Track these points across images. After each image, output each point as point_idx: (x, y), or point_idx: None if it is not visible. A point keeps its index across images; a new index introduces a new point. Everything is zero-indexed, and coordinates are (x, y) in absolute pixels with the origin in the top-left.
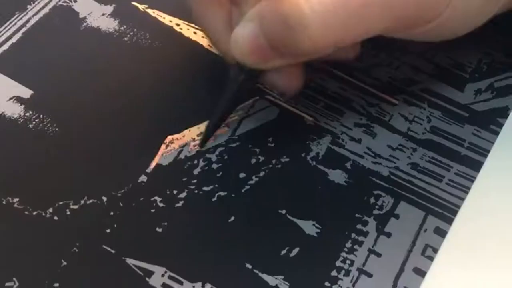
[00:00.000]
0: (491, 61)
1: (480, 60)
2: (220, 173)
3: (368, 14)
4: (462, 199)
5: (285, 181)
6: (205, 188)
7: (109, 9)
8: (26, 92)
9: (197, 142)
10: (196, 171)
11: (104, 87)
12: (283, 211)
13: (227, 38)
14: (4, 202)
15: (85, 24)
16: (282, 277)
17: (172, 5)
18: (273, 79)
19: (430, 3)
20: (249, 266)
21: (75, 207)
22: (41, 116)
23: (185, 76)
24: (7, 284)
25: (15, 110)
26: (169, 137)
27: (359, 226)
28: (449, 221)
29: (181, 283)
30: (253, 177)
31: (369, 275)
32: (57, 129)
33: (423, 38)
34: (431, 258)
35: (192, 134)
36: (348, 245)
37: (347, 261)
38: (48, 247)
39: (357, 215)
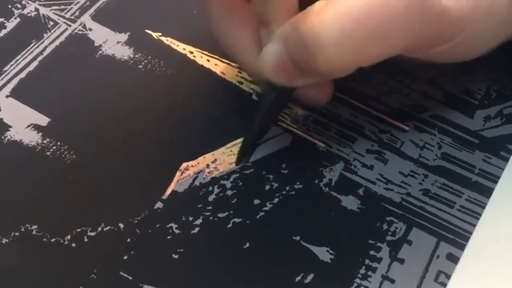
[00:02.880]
0: (500, 88)
1: (489, 86)
2: (235, 199)
3: (387, 34)
4: (474, 225)
5: (299, 207)
6: (220, 215)
7: (124, 37)
8: (43, 120)
9: (212, 169)
10: (211, 198)
11: (119, 115)
12: (297, 238)
13: (255, 57)
14: (22, 230)
15: (100, 52)
16: None
17: (185, 33)
18: (302, 92)
19: (450, 22)
20: None
21: (93, 234)
22: (58, 143)
23: (199, 103)
24: None
25: (32, 138)
26: (184, 164)
27: (372, 252)
28: (461, 247)
29: None
30: (267, 204)
31: None
32: (74, 156)
33: (440, 59)
34: (444, 284)
35: (206, 161)
36: (362, 271)
37: None
38: (67, 274)
39: (370, 241)
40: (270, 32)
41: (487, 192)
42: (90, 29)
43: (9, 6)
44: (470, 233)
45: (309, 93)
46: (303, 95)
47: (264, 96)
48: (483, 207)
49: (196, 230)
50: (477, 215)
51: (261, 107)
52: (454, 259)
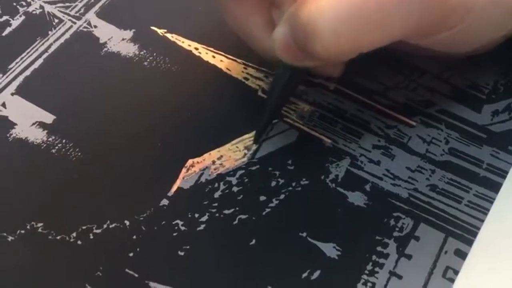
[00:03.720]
0: (508, 82)
1: (496, 81)
2: (241, 196)
3: (385, 21)
4: (482, 221)
5: (305, 203)
6: (226, 211)
7: (129, 34)
8: (48, 117)
9: (217, 165)
10: (217, 194)
11: (124, 112)
12: (304, 234)
13: (267, 38)
14: (28, 227)
15: (105, 49)
16: None
17: (190, 29)
18: (315, 69)
19: (450, 9)
20: None
21: (98, 231)
22: (63, 141)
23: (204, 100)
24: None
25: (38, 135)
26: (190, 161)
27: (379, 248)
28: (469, 243)
29: None
30: (274, 200)
31: None
32: (79, 153)
33: (441, 47)
34: (452, 280)
35: (212, 157)
36: (369, 267)
37: (369, 284)
38: (72, 271)
39: (377, 237)
40: (281, 13)
41: (495, 187)
42: (95, 26)
43: (14, 4)
44: (478, 228)
45: (321, 70)
46: (317, 72)
47: (278, 75)
48: (491, 202)
49: (202, 227)
50: (485, 210)
51: (276, 86)
52: (462, 255)
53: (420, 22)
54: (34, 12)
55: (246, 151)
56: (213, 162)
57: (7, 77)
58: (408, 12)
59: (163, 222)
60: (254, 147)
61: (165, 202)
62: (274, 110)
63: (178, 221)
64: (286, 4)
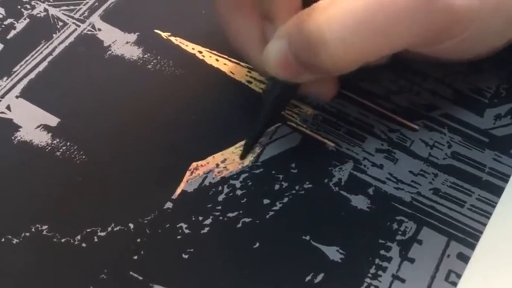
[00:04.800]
0: (510, 86)
1: (499, 85)
2: (245, 199)
3: (392, 31)
4: (484, 225)
5: (309, 207)
6: (230, 215)
7: (133, 37)
8: (53, 120)
9: (221, 168)
10: (220, 198)
11: (128, 115)
12: (307, 237)
13: (260, 53)
14: (33, 230)
15: (109, 52)
16: None
17: (194, 32)
18: (307, 88)
19: (455, 18)
20: None
21: (103, 234)
22: (68, 143)
23: (208, 103)
24: None
25: (42, 138)
26: (194, 164)
27: (382, 252)
28: (472, 247)
29: None
30: (277, 203)
31: None
32: (83, 156)
33: (445, 56)
34: (454, 284)
35: (216, 161)
36: (372, 271)
37: (372, 287)
38: (77, 274)
39: (380, 240)
40: (274, 28)
41: (498, 191)
42: (99, 29)
43: (19, 7)
44: (481, 232)
45: (313, 89)
46: (308, 91)
47: (268, 91)
48: (494, 206)
49: (206, 230)
50: (487, 214)
51: (265, 102)
52: (464, 259)
53: (425, 31)
54: (38, 15)
55: (250, 154)
56: (217, 165)
57: (11, 80)
58: (414, 22)
59: (167, 225)
60: (258, 150)
61: (169, 205)
62: (262, 128)
63: (182, 224)
64: (280, 19)
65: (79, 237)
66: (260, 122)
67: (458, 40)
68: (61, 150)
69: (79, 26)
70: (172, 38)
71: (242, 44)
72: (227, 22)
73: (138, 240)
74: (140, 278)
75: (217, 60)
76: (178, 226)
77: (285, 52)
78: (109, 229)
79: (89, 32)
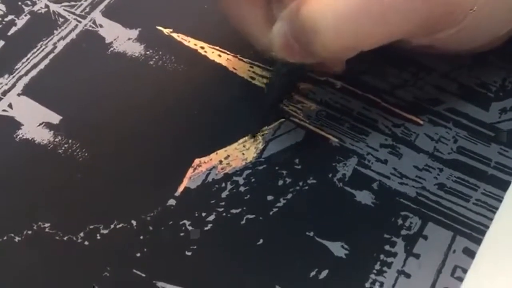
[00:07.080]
0: None
1: (504, 78)
2: (248, 195)
3: (387, 19)
4: (490, 219)
5: (313, 202)
6: (233, 211)
7: (135, 33)
8: (55, 118)
9: (224, 165)
10: (224, 194)
11: (130, 111)
12: (311, 233)
13: (266, 34)
14: (35, 227)
15: (111, 48)
16: None
17: (196, 28)
18: (314, 65)
19: (454, 6)
20: None
21: (105, 231)
22: (70, 141)
23: (210, 99)
24: None
25: (44, 136)
26: (197, 160)
27: (387, 247)
28: (478, 242)
29: None
30: (281, 199)
31: None
32: (86, 154)
33: (445, 45)
34: (460, 279)
35: (219, 157)
36: (377, 266)
37: (377, 283)
38: (80, 272)
39: (385, 235)
40: (283, 7)
41: (504, 186)
42: (101, 26)
43: (19, 3)
44: (487, 227)
45: (322, 67)
46: (317, 68)
47: (276, 71)
48: (500, 201)
49: (209, 226)
50: (493, 209)
51: (274, 82)
52: (470, 254)
53: (423, 19)
54: (39, 11)
55: (253, 150)
56: (220, 162)
57: (13, 77)
58: (411, 9)
59: (170, 222)
60: (261, 146)
61: (172, 202)
62: (274, 106)
63: (185, 221)
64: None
65: (81, 234)
66: (269, 104)
67: (458, 28)
68: (63, 147)
69: (80, 22)
70: (174, 34)
71: (248, 26)
72: (231, 4)
73: (141, 237)
74: (143, 275)
75: (219, 55)
76: (181, 223)
77: (286, 34)
78: (112, 226)
79: (91, 28)
